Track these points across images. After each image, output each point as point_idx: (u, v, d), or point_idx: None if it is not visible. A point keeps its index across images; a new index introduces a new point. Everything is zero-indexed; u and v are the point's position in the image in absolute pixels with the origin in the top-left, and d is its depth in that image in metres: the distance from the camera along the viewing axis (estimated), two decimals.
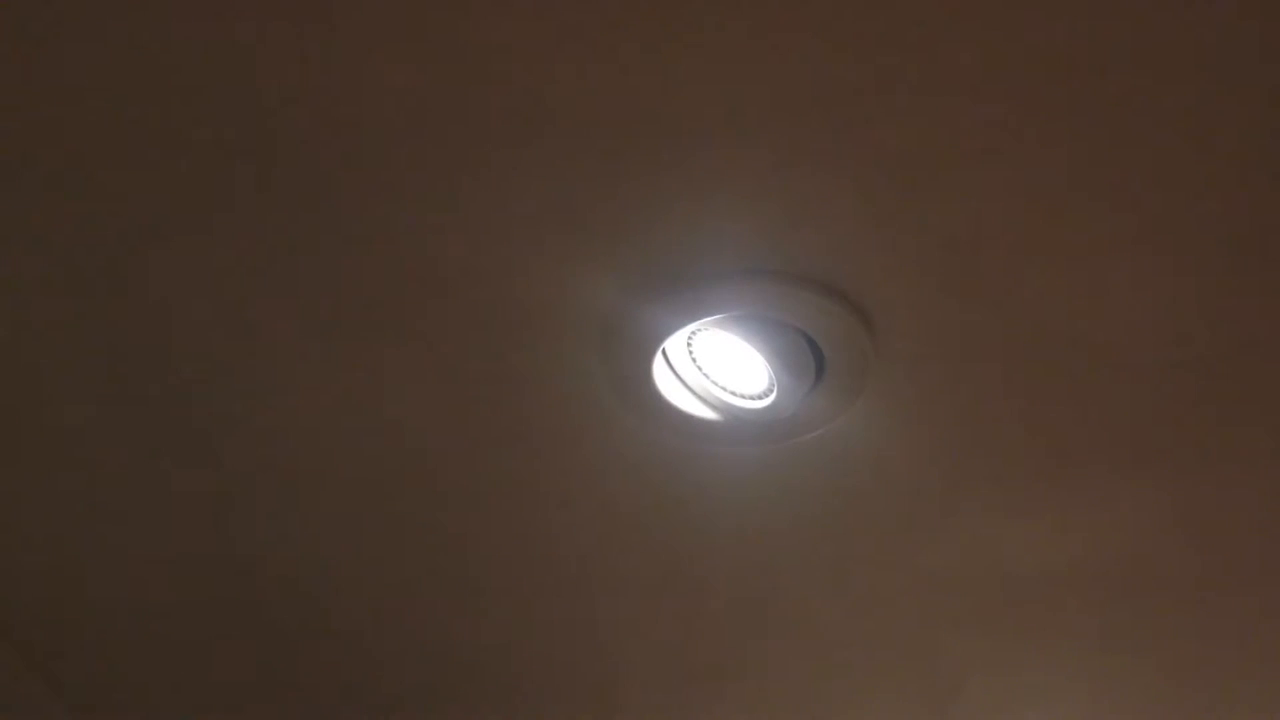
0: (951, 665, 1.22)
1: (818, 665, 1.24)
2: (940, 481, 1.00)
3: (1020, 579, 1.10)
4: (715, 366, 0.93)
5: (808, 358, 0.88)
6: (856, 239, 0.81)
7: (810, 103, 0.72)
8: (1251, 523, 1.01)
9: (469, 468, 1.03)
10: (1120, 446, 0.95)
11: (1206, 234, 0.78)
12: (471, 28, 0.70)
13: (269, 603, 1.21)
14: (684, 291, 0.84)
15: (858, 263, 0.82)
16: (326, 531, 1.11)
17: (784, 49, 0.70)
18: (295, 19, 0.70)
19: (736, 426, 0.94)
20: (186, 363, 0.95)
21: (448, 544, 1.12)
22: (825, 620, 1.18)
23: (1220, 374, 0.88)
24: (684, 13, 0.68)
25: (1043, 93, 0.71)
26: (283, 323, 0.91)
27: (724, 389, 0.94)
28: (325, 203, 0.82)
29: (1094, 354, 0.87)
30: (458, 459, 1.02)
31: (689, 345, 0.92)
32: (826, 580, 1.12)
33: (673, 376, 0.93)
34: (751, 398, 0.93)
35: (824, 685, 1.27)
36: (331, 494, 1.07)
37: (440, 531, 1.10)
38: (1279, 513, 0.99)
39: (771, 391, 0.91)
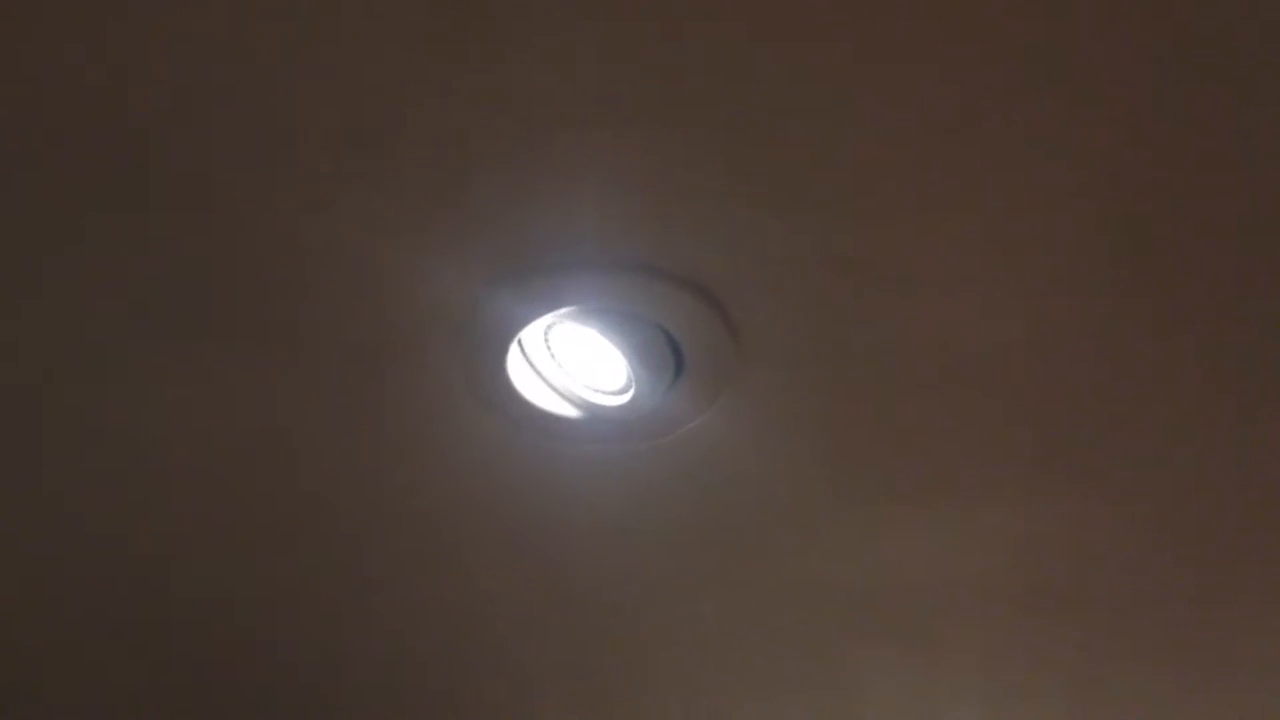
0: (835, 668, 1.21)
1: (699, 670, 1.22)
2: (808, 490, 0.98)
3: (894, 587, 1.09)
4: (573, 361, 0.90)
5: (666, 354, 0.86)
6: (724, 241, 0.78)
7: (684, 106, 0.70)
8: (1130, 538, 1.01)
9: (326, 464, 0.98)
10: (993, 463, 0.94)
11: (1077, 255, 0.78)
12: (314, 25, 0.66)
13: (151, 611, 1.16)
14: (539, 281, 0.81)
15: (724, 264, 0.80)
16: (193, 537, 1.06)
17: (657, 52, 0.67)
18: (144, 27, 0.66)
19: (595, 424, 0.91)
20: (39, 373, 0.90)
21: (317, 546, 1.07)
22: (702, 625, 1.16)
23: (1099, 392, 0.87)
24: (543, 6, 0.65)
25: (914, 117, 0.70)
26: (136, 324, 0.86)
27: (582, 384, 0.90)
28: (176, 206, 0.77)
29: (970, 372, 0.86)
30: (316, 454, 0.97)
31: (546, 339, 0.89)
32: (700, 584, 1.10)
33: (529, 370, 0.90)
34: (610, 394, 0.90)
35: (706, 689, 1.25)
36: (196, 498, 1.02)
37: (307, 532, 1.06)
38: (1162, 528, 0.99)
39: (630, 388, 0.88)
